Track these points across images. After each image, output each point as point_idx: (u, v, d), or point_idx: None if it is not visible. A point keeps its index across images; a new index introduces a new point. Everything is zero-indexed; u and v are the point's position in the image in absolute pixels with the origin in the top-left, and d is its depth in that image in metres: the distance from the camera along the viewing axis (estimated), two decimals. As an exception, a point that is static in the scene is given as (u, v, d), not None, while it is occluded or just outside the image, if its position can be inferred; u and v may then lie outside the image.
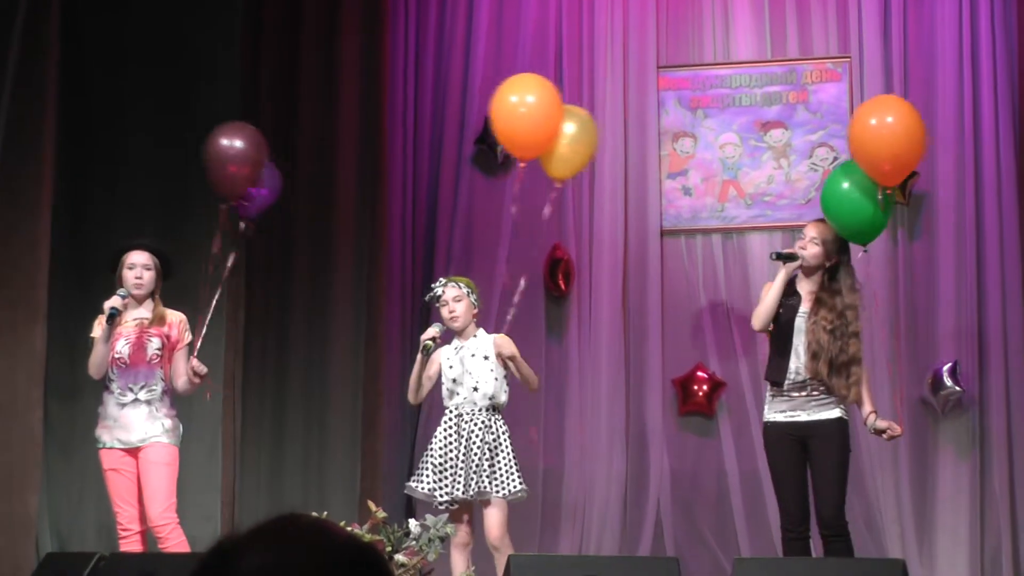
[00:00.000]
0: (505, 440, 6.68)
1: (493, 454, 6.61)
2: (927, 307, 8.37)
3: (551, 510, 8.59)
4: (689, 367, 8.71)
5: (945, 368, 8.22)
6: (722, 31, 8.89)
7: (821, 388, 6.60)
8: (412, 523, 6.13)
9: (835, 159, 8.60)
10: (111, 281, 6.81)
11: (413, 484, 6.72)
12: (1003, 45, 8.40)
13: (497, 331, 7.00)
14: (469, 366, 6.74)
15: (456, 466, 6.59)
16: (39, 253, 7.80)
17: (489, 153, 8.91)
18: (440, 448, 6.67)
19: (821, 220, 6.86)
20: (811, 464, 6.67)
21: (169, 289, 6.96)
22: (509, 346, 6.78)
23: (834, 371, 6.58)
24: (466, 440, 6.61)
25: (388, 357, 8.74)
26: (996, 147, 8.34)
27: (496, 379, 6.74)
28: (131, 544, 6.64)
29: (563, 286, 8.78)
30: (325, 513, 5.37)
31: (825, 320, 6.61)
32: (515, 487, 6.62)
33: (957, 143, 8.41)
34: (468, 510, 6.72)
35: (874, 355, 7.82)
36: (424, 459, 6.74)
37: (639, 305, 8.74)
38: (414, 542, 6.10)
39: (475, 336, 6.83)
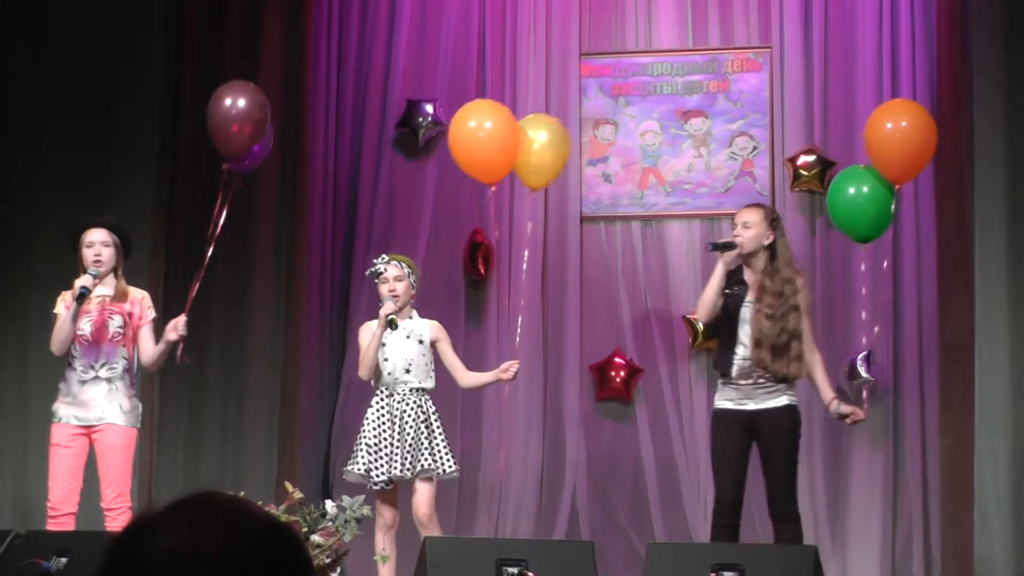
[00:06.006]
0: (436, 420, 6.71)
1: (428, 432, 6.63)
2: (843, 296, 8.44)
3: (468, 493, 8.58)
4: (607, 353, 8.74)
5: (860, 357, 8.29)
6: (644, 19, 8.91)
7: (767, 376, 6.65)
8: (329, 504, 6.12)
9: (755, 148, 8.67)
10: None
11: (349, 467, 6.72)
12: (923, 39, 8.47)
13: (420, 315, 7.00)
14: (403, 347, 6.74)
15: (392, 445, 6.59)
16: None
17: (411, 136, 8.90)
18: (373, 429, 6.66)
19: (748, 206, 6.97)
20: (761, 452, 6.70)
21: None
22: (446, 338, 6.87)
23: (776, 354, 6.62)
24: (399, 419, 6.61)
25: (307, 338, 8.70)
26: (914, 139, 8.43)
27: (427, 363, 6.77)
28: (59, 525, 6.50)
29: (483, 270, 8.78)
30: (242, 493, 5.35)
31: (768, 307, 6.64)
32: (449, 467, 6.67)
33: (875, 135, 8.48)
34: (397, 492, 6.72)
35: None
36: (358, 441, 6.73)
37: (558, 290, 8.76)
38: (330, 523, 6.10)
39: (411, 318, 6.83)
